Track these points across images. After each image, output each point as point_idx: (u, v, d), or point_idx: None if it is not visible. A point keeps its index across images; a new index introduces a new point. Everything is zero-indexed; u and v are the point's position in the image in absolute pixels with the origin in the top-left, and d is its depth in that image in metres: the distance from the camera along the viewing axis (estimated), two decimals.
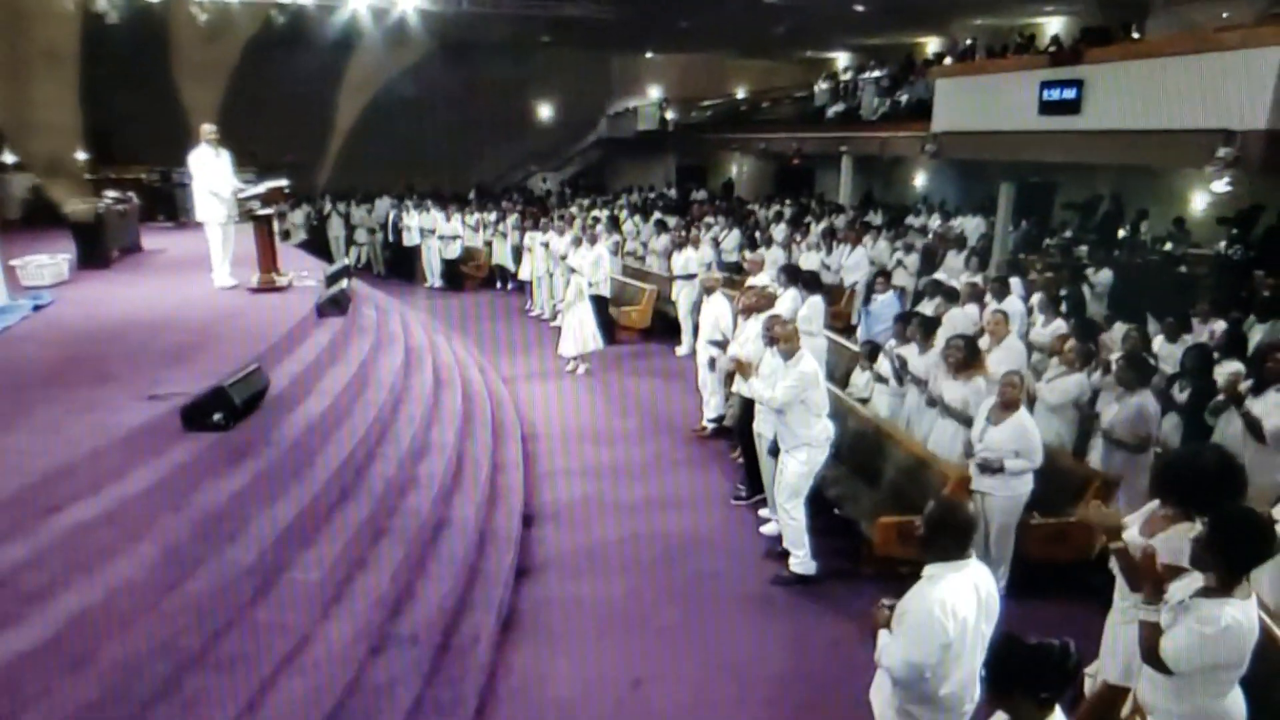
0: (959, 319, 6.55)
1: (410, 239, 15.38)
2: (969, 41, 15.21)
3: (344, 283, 7.81)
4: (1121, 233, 11.50)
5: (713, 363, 6.94)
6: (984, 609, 2.80)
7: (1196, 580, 2.82)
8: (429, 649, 4.45)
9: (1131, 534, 3.34)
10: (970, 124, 10.77)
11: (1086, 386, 5.36)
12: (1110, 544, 3.19)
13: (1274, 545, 2.79)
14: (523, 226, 13.97)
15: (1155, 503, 3.39)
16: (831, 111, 16.07)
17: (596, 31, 19.23)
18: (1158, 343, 6.22)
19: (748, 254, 9.01)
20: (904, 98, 14.13)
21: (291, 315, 6.88)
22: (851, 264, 9.92)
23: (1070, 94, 9.07)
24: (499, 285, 15.08)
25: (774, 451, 5.51)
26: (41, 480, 3.71)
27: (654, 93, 24.07)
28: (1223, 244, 10.14)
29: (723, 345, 6.87)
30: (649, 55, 23.68)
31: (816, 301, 7.12)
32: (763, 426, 5.69)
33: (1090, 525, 4.74)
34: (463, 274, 15.18)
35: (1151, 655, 2.76)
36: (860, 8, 15.67)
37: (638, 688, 4.29)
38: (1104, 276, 8.67)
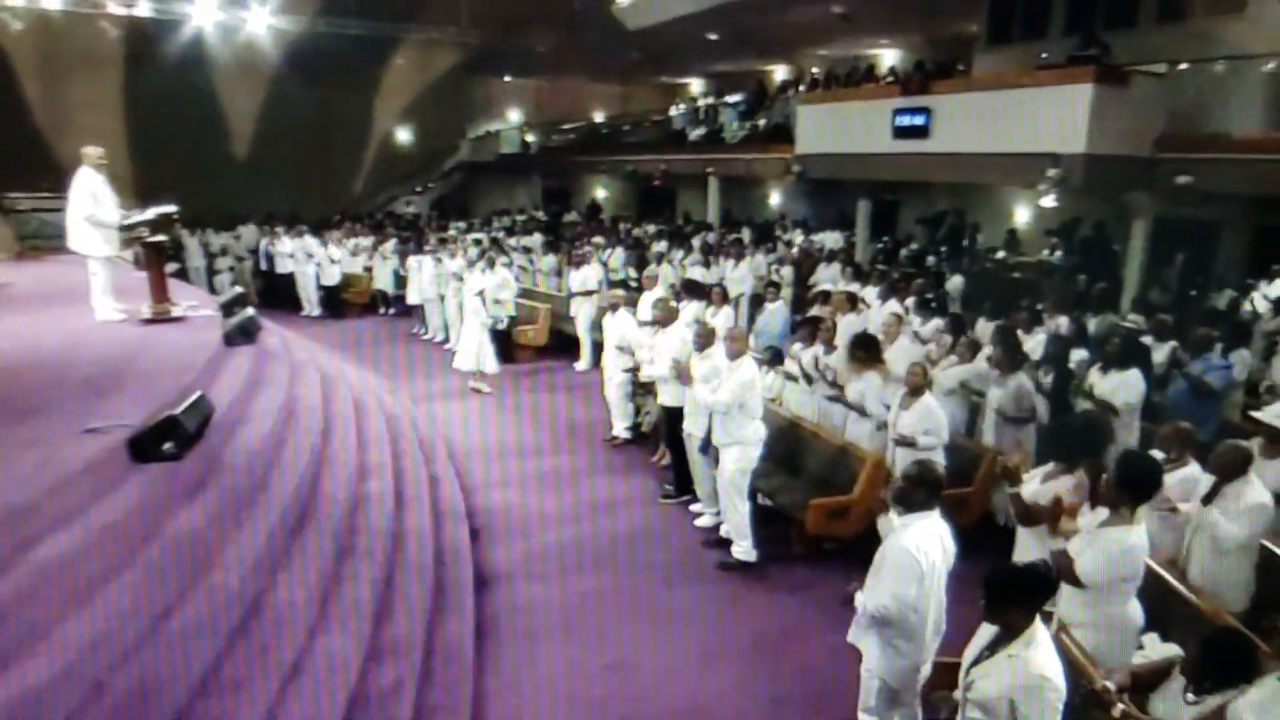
0: (855, 323, 7.37)
1: (284, 266, 14.83)
2: (814, 71, 16.66)
3: (249, 310, 7.67)
4: (964, 244, 13.07)
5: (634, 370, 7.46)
6: (945, 555, 3.44)
7: (1100, 515, 3.59)
8: (417, 656, 4.64)
9: (1032, 487, 4.16)
10: (832, 147, 11.89)
11: (971, 374, 6.27)
12: (1008, 491, 4.14)
13: (1161, 482, 3.62)
14: (403, 251, 13.89)
15: (1049, 465, 4.22)
16: (694, 134, 17.03)
17: (455, 55, 19.33)
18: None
19: (646, 271, 9.56)
20: (762, 122, 15.27)
21: (200, 345, 6.71)
22: (737, 277, 10.69)
23: (920, 120, 10.29)
24: (382, 310, 14.85)
25: (704, 449, 6.03)
26: (7, 517, 3.60)
27: (514, 116, 24.35)
28: (1046, 251, 11.83)
29: (634, 368, 7.32)
30: (507, 79, 23.97)
31: (728, 312, 7.76)
32: (693, 426, 6.16)
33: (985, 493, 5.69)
34: (343, 300, 14.83)
35: (1068, 575, 3.48)
36: (713, 36, 16.79)
37: (616, 671, 4.64)
38: (955, 282, 9.96)
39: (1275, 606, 3.58)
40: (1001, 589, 2.77)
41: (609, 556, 5.91)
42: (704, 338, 5.99)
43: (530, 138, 22.98)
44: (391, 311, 14.62)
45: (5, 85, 16.38)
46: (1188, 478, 4.24)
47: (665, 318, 6.57)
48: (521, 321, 11.05)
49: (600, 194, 23.65)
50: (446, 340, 12.19)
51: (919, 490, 3.43)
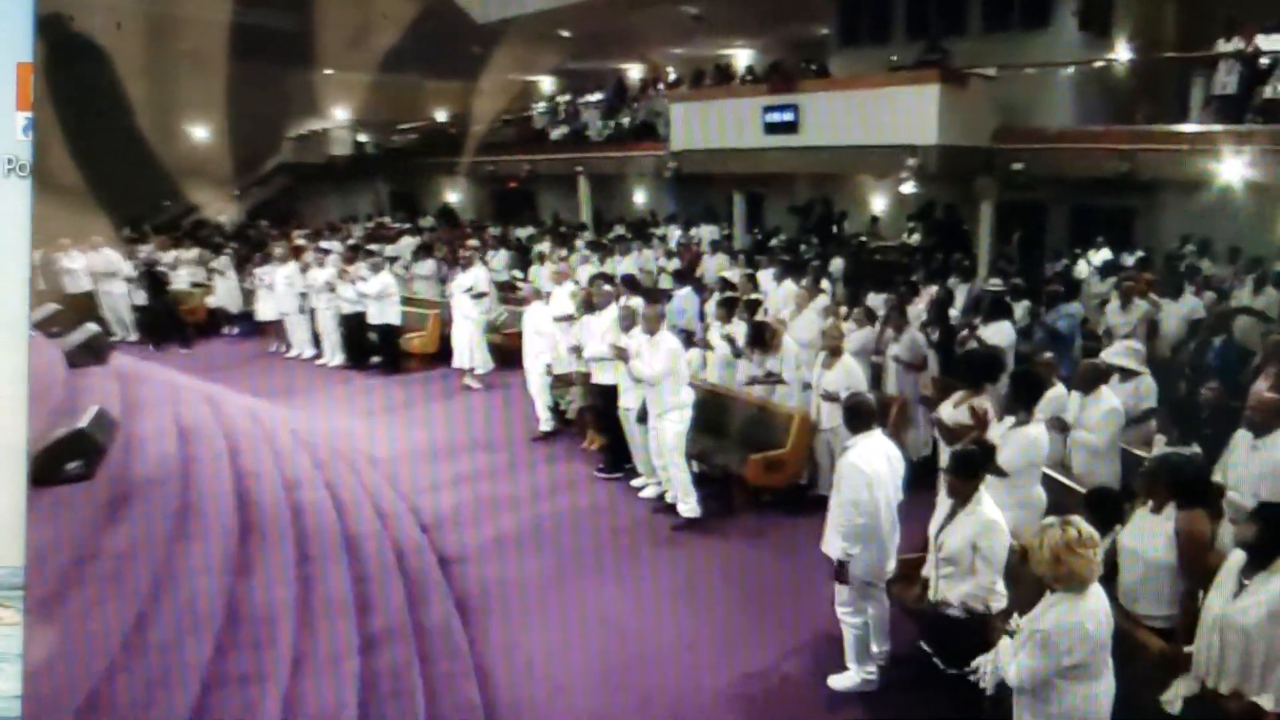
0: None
1: (76, 285, 13.80)
2: (670, 70, 17.95)
3: (91, 326, 7.55)
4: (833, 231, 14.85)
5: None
6: (892, 467, 4.51)
7: (1009, 421, 4.90)
8: (411, 638, 5.16)
9: (946, 409, 5.49)
10: (705, 143, 13.16)
11: (873, 337, 7.68)
12: (933, 416, 5.54)
13: (1043, 392, 5.16)
14: (244, 263, 13.67)
15: (959, 393, 5.52)
16: (556, 133, 17.80)
17: (258, 40, 18.57)
18: None
19: (553, 270, 10.41)
20: (627, 120, 16.34)
21: (38, 367, 6.43)
22: (633, 270, 11.58)
23: (789, 116, 11.70)
24: (225, 330, 14.45)
25: (641, 419, 6.89)
26: None
27: (340, 114, 23.91)
28: (905, 234, 13.74)
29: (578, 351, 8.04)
30: (329, 72, 23.46)
31: (639, 301, 8.67)
32: (628, 400, 7.02)
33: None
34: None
35: (993, 467, 4.63)
36: (565, 33, 17.67)
37: (604, 627, 5.37)
38: (836, 264, 11.62)
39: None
40: (967, 464, 3.97)
41: (565, 533, 6.62)
42: (629, 319, 6.92)
43: (364, 138, 22.74)
44: (236, 331, 14.30)
45: None
46: (1056, 395, 5.76)
47: (600, 302, 7.51)
48: (408, 329, 11.39)
49: (452, 198, 23.76)
50: (318, 355, 12.26)
51: (857, 416, 4.57)
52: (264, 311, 12.78)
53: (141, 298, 13.75)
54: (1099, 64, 11.48)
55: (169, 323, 13.96)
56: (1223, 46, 10.46)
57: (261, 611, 4.99)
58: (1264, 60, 9.95)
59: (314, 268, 11.82)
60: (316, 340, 12.25)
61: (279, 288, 12.23)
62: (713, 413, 7.34)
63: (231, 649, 4.62)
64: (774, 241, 14.07)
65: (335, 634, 4.95)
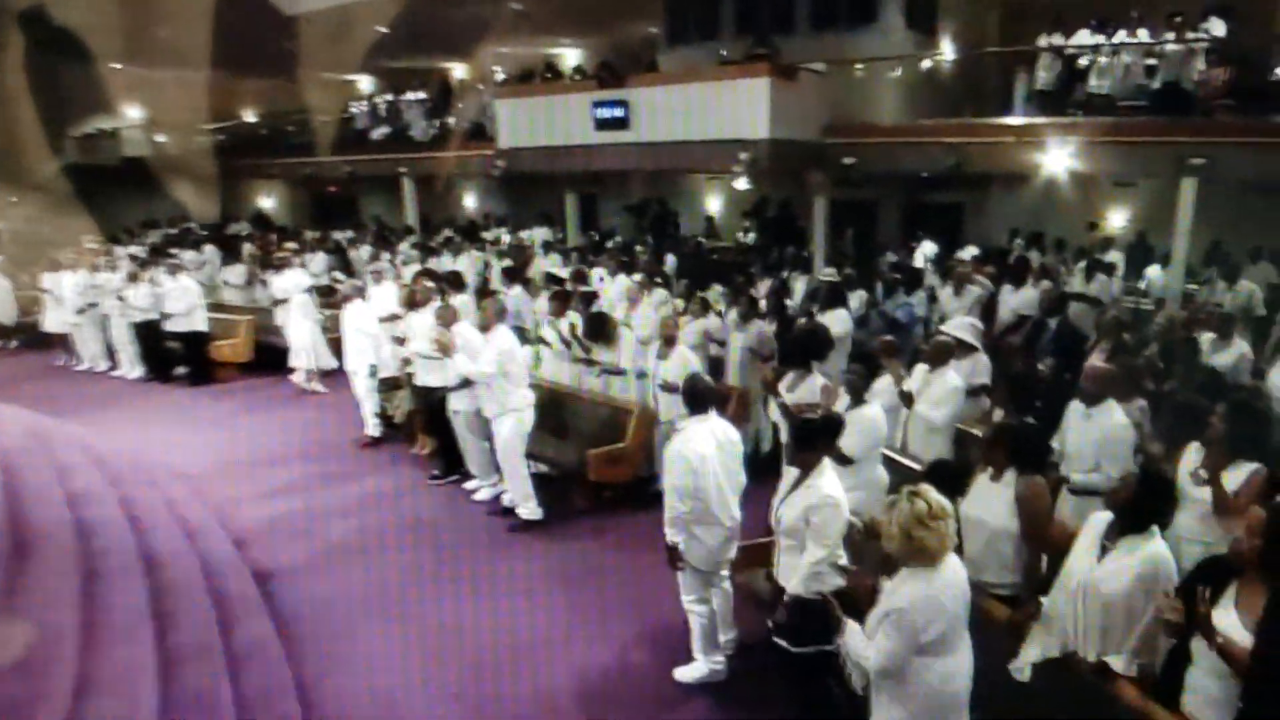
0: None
1: None
2: (497, 69, 17.82)
3: None
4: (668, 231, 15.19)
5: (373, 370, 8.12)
6: (723, 448, 4.48)
7: (846, 401, 5.08)
8: (219, 658, 4.80)
9: (784, 391, 5.68)
10: (535, 140, 13.07)
11: (712, 327, 7.93)
12: (777, 401, 5.55)
13: (880, 370, 5.41)
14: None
15: (790, 375, 5.74)
16: (378, 134, 17.24)
17: (30, 26, 17.07)
18: None
19: (373, 267, 10.14)
20: (452, 120, 16.05)
21: None
22: (462, 270, 11.37)
23: (619, 112, 11.81)
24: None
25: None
26: None
27: (132, 112, 22.23)
28: (741, 234, 14.23)
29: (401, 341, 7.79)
30: (115, 66, 21.77)
31: (465, 299, 8.51)
32: (459, 403, 6.83)
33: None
34: None
35: (837, 456, 4.79)
36: (382, 29, 17.21)
37: (444, 633, 5.17)
38: (671, 262, 11.86)
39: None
40: (807, 434, 3.99)
41: (398, 542, 6.37)
42: (447, 317, 6.69)
43: (161, 138, 21.26)
44: (13, 344, 13.09)
45: None
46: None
47: (422, 299, 7.26)
48: (218, 337, 10.68)
49: (265, 203, 22.56)
50: (114, 367, 11.40)
51: (694, 397, 4.54)
52: (50, 322, 11.94)
53: None
54: (926, 61, 12.19)
55: None
56: (1044, 42, 11.36)
57: (41, 633, 4.55)
58: (1083, 60, 10.87)
59: (104, 271, 10.89)
60: (111, 353, 11.37)
61: (67, 296, 11.27)
62: (551, 410, 7.27)
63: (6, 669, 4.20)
64: (610, 243, 14.22)
65: (127, 655, 4.56)
